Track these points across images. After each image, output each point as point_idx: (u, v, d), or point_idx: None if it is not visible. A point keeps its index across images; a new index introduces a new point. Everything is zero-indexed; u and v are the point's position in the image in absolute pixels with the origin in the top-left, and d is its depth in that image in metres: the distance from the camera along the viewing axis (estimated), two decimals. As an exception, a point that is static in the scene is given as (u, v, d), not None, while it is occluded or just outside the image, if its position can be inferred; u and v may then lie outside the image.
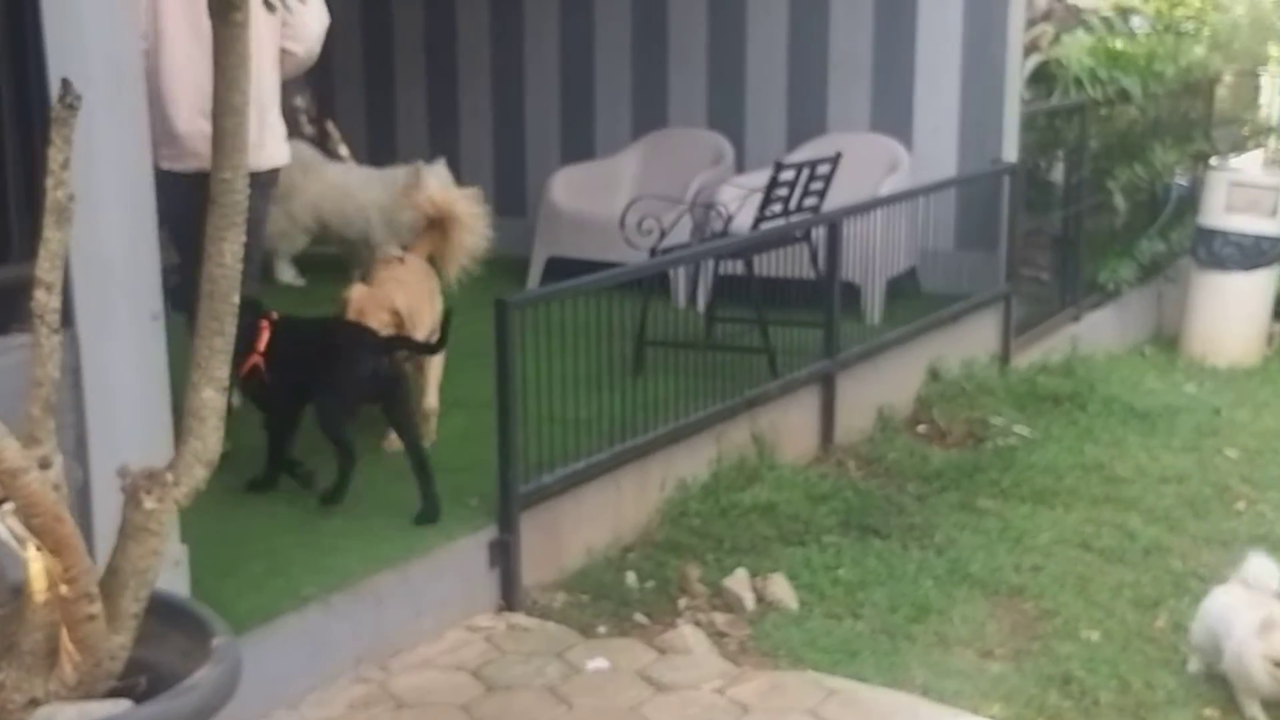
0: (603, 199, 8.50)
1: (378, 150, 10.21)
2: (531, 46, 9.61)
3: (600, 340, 5.51)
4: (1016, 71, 8.41)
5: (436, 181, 7.79)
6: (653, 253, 6.57)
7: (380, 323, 5.34)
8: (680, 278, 7.92)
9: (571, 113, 9.54)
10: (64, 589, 2.64)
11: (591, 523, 5.32)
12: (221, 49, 2.80)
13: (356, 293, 5.56)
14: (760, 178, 7.25)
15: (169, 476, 2.88)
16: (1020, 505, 6.32)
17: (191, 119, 5.20)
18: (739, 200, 7.15)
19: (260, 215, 5.43)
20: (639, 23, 9.26)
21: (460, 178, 9.88)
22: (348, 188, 8.37)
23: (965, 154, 8.45)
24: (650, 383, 6.11)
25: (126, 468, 2.91)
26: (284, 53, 5.59)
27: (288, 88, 6.35)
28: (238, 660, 2.81)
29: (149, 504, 2.85)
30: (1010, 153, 8.36)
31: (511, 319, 4.72)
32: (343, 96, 10.40)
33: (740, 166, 8.85)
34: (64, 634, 2.68)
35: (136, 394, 3.52)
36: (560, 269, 8.18)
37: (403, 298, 5.54)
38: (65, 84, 2.59)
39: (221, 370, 2.92)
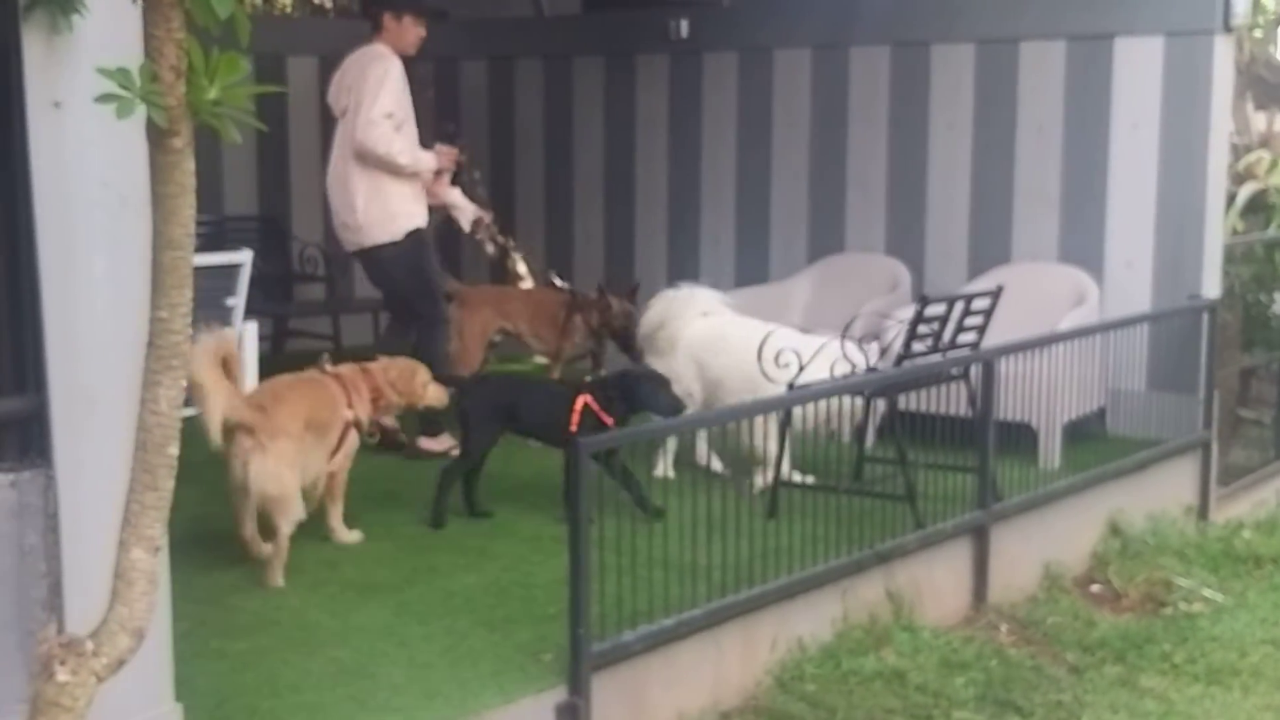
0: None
1: (554, 271, 10.11)
2: (709, 170, 9.37)
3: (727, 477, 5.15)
4: (1218, 202, 7.77)
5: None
6: (790, 386, 6.14)
7: None
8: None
9: (746, 236, 9.23)
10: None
11: (685, 684, 4.88)
12: (159, 177, 2.56)
13: None
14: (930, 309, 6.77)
15: (88, 646, 2.62)
16: (1190, 685, 5.63)
17: (335, 213, 7.19)
18: (895, 332, 6.67)
19: (393, 278, 7.21)
20: (817, 148, 8.92)
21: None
22: None
23: (1161, 289, 7.80)
24: (770, 527, 5.68)
25: (46, 634, 2.66)
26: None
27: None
28: None
29: (62, 676, 2.58)
30: (1211, 288, 7.71)
31: (587, 463, 4.36)
32: (524, 216, 10.33)
33: (919, 294, 8.37)
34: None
35: (124, 540, 3.29)
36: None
37: None
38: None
39: (153, 528, 2.65)
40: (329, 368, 5.86)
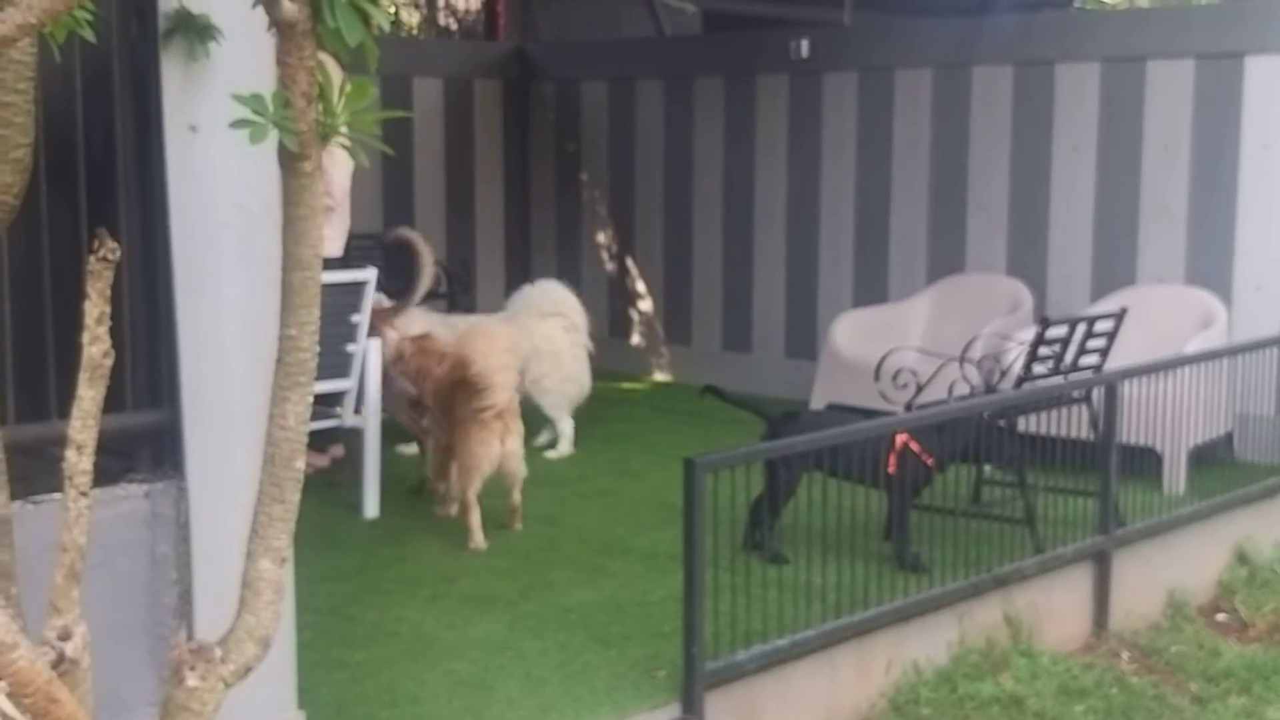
0: (886, 345, 8.06)
1: (672, 290, 10.17)
2: (828, 190, 9.36)
3: (842, 498, 5.14)
4: (1354, 221, 7.58)
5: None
6: (908, 407, 6.11)
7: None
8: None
9: (866, 256, 9.21)
10: (67, 775, 2.46)
11: (798, 705, 4.88)
12: (290, 200, 2.63)
13: None
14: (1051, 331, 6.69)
15: (217, 652, 2.68)
16: (1320, 719, 5.49)
17: None
18: (1015, 354, 6.61)
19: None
20: (938, 168, 8.88)
21: (752, 320, 9.73)
22: None
23: (1293, 311, 7.64)
24: (886, 549, 5.67)
25: (177, 640, 2.74)
26: None
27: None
28: None
29: (192, 681, 2.65)
30: (1346, 311, 7.52)
31: (701, 481, 4.39)
32: (642, 236, 10.39)
33: (1040, 316, 8.28)
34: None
35: (253, 550, 3.37)
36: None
37: None
38: (100, 234, 2.47)
39: (280, 540, 2.72)
40: None
